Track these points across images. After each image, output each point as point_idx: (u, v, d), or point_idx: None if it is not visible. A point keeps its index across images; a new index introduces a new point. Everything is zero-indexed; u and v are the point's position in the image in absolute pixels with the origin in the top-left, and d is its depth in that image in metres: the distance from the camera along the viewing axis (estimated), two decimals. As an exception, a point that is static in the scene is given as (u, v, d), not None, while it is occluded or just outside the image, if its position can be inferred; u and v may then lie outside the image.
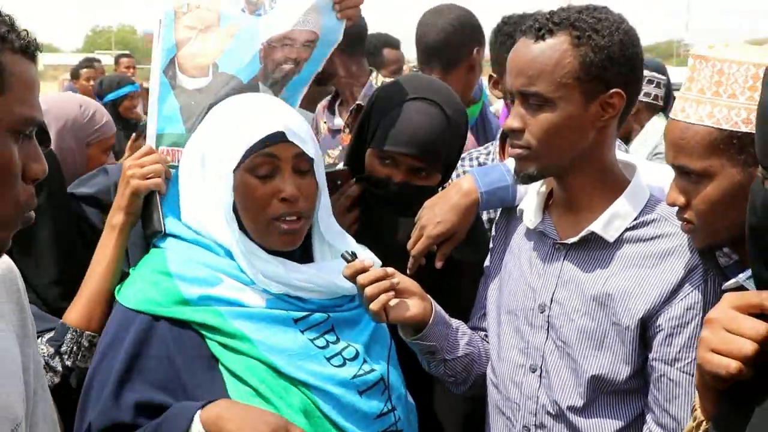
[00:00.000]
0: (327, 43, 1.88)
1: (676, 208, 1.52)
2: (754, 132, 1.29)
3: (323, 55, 1.89)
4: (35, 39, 1.04)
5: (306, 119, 1.79)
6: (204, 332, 1.54)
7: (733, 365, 1.03)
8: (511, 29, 2.46)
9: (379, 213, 1.91)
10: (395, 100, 1.89)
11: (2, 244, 1.06)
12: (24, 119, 1.02)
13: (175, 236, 1.65)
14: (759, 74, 1.31)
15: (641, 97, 4.43)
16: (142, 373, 1.51)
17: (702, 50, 1.40)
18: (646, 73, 4.60)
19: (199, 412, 1.44)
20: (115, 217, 1.75)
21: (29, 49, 1.02)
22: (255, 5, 1.83)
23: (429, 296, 1.68)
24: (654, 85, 4.68)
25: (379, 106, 1.93)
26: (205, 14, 1.81)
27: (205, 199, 1.61)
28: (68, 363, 1.66)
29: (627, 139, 4.47)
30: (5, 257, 1.23)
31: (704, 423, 1.16)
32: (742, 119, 1.33)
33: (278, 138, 1.55)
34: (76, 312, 1.71)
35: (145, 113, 6.78)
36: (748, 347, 1.02)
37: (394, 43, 4.26)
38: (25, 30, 1.04)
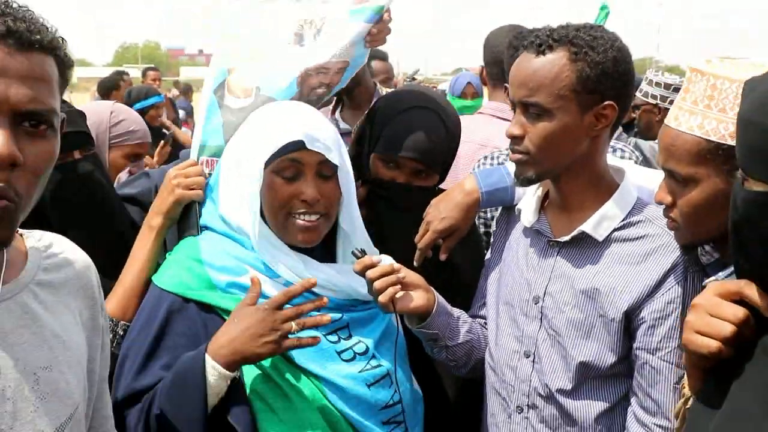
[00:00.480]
0: (355, 66, 1.98)
1: (662, 210, 1.56)
2: None
3: (350, 76, 2.00)
4: (26, 28, 0.98)
5: None
6: (227, 318, 1.56)
7: (714, 345, 1.08)
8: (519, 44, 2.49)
9: (383, 213, 1.96)
10: (396, 109, 1.97)
11: (7, 239, 1.03)
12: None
13: (207, 228, 1.72)
14: None
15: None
16: (170, 348, 1.56)
17: (699, 64, 1.42)
18: (676, 79, 4.51)
19: (206, 355, 1.48)
20: (155, 220, 1.81)
21: (10, 37, 0.97)
22: (300, 37, 1.92)
23: (432, 288, 1.74)
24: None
25: (380, 115, 2.00)
26: (257, 47, 1.90)
27: (238, 195, 1.67)
28: None
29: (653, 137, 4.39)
30: (85, 255, 1.27)
31: (691, 399, 1.18)
32: (729, 133, 1.35)
33: (302, 145, 1.60)
34: (112, 303, 1.76)
35: (169, 119, 6.75)
36: (728, 329, 1.07)
37: (382, 56, 4.37)
38: (23, 21, 0.99)
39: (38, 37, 0.99)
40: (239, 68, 1.89)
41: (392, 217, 1.94)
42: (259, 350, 1.46)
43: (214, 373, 1.45)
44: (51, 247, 1.20)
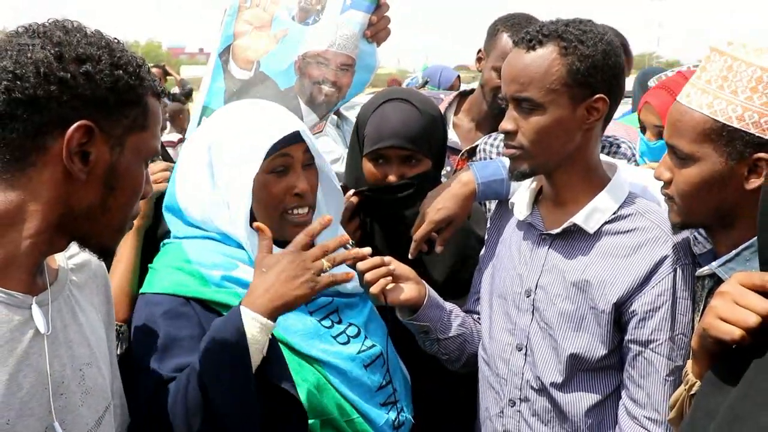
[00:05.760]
0: (366, 68, 1.89)
1: (653, 205, 1.55)
2: (743, 129, 1.28)
3: (365, 80, 1.91)
4: (163, 83, 1.15)
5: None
6: (226, 313, 1.52)
7: (737, 333, 1.07)
8: (499, 25, 2.57)
9: (378, 221, 1.96)
10: (370, 110, 1.97)
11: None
12: (155, 150, 1.16)
13: (182, 238, 1.66)
14: (763, 78, 1.32)
15: None
16: (179, 348, 1.49)
17: (720, 45, 1.39)
18: None
19: (244, 308, 1.41)
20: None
21: (162, 94, 1.17)
22: (307, 13, 1.84)
23: (424, 281, 1.71)
24: None
25: (360, 121, 2.01)
26: (262, 14, 1.83)
27: (216, 198, 1.61)
28: None
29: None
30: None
31: (696, 384, 1.19)
32: (736, 115, 1.33)
33: (292, 139, 1.59)
34: None
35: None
36: (753, 320, 1.06)
37: None
38: (157, 76, 1.18)
39: (165, 89, 1.23)
40: (245, 34, 1.82)
41: (387, 225, 1.94)
42: (297, 292, 1.41)
43: (256, 324, 1.38)
44: (70, 248, 1.22)
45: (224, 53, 1.83)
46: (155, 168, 1.80)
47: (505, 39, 2.50)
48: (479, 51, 2.70)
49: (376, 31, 1.88)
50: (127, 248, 1.77)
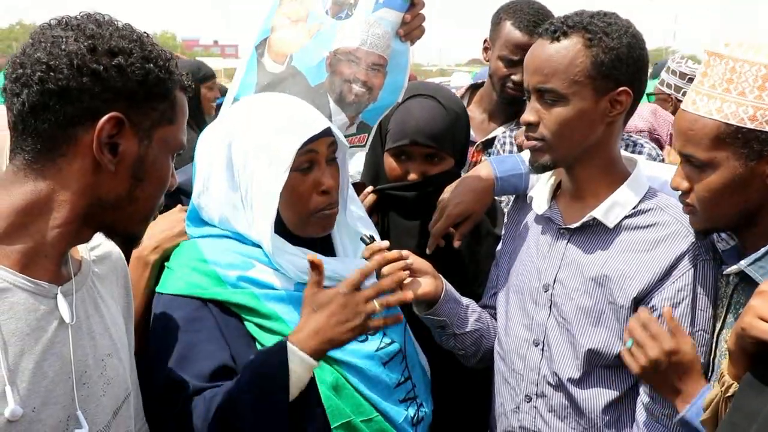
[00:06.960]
0: (398, 68, 1.83)
1: (673, 200, 1.52)
2: (758, 129, 1.27)
3: (399, 83, 1.84)
4: (190, 77, 1.20)
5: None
6: (242, 314, 1.52)
7: None
8: (502, 13, 2.56)
9: (395, 220, 1.95)
10: (397, 104, 1.93)
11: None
12: (182, 144, 1.17)
13: (201, 237, 1.63)
14: None
15: None
16: (201, 353, 1.47)
17: (717, 48, 1.38)
18: (694, 69, 4.46)
19: (292, 345, 1.41)
20: (152, 255, 1.67)
21: (189, 88, 1.19)
22: (340, 6, 1.79)
23: (440, 275, 1.70)
24: None
25: (385, 116, 1.96)
26: (299, 7, 1.80)
27: (233, 198, 1.58)
28: None
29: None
30: (114, 245, 1.30)
31: (734, 386, 1.18)
32: (748, 116, 1.31)
33: (319, 134, 1.54)
34: None
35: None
36: None
37: None
38: (185, 71, 1.20)
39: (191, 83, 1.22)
40: (282, 28, 1.79)
41: (404, 224, 1.93)
42: (346, 336, 1.42)
43: (302, 364, 1.40)
44: (92, 239, 1.22)
45: (260, 46, 1.80)
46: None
47: (509, 26, 2.49)
48: (485, 41, 2.69)
49: (410, 30, 1.82)
50: (142, 282, 1.65)
